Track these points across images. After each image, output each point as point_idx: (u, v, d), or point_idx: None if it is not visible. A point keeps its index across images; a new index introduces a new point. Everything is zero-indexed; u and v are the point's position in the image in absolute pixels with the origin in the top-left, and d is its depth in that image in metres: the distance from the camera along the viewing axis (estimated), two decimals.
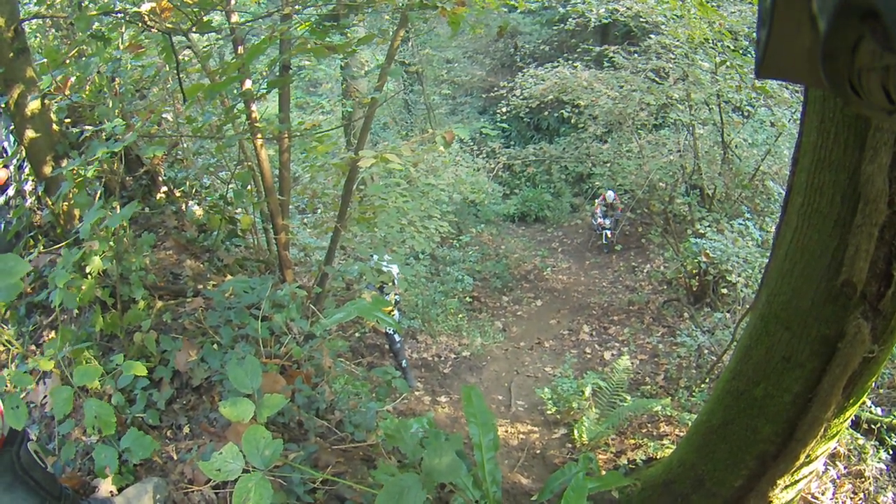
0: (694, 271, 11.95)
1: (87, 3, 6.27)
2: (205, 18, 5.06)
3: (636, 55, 13.51)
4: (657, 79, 13.13)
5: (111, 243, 4.59)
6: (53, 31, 7.39)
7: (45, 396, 4.73)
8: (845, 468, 6.45)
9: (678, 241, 12.98)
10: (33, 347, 5.15)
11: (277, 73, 6.23)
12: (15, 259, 2.55)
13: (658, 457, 7.08)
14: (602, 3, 12.66)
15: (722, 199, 12.75)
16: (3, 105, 5.22)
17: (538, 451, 8.26)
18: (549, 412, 9.02)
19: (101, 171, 5.10)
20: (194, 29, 5.03)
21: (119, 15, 5.00)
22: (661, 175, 13.69)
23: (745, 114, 12.89)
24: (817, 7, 0.74)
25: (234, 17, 5.84)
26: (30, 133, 5.19)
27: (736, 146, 12.66)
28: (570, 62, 14.92)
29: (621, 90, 13.47)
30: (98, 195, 4.90)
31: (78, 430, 4.29)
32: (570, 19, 14.54)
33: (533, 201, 21.89)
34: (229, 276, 6.03)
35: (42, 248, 5.57)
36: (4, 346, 5.09)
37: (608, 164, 15.32)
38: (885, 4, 0.62)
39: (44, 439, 4.43)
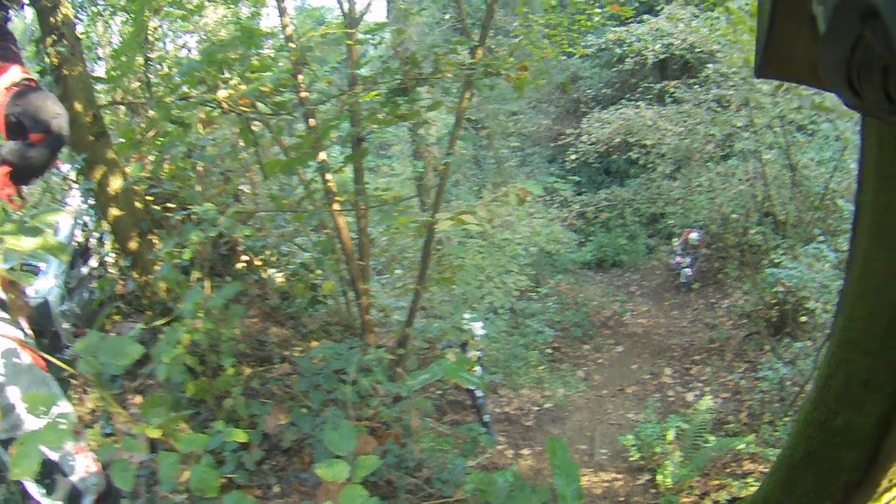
0: (772, 302, 11.82)
1: (164, 88, 6.57)
2: (279, 100, 5.27)
3: (696, 87, 13.50)
4: (719, 108, 13.09)
5: (200, 315, 4.77)
6: (124, 108, 7.69)
7: (129, 457, 4.90)
8: None
9: (755, 272, 12.81)
10: (120, 410, 5.33)
11: (348, 141, 6.39)
12: (130, 343, 2.73)
13: (742, 496, 6.99)
14: (656, 39, 12.73)
15: (795, 223, 12.52)
16: (91, 188, 5.50)
17: (622, 499, 8.22)
18: (632, 458, 8.98)
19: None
20: (271, 113, 5.25)
21: (194, 99, 5.24)
22: (733, 207, 13.56)
23: (809, 132, 12.73)
24: (817, 7, 0.77)
25: (304, 94, 6.04)
26: (114, 211, 5.45)
27: (803, 167, 12.45)
28: (632, 102, 14.98)
29: (685, 124, 13.44)
30: (195, 276, 5.10)
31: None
32: (627, 59, 14.56)
33: (608, 246, 21.78)
34: (314, 342, 6.17)
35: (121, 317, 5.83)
36: (108, 410, 5.28)
37: (680, 202, 15.24)
38: (885, 4, 0.64)
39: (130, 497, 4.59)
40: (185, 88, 5.60)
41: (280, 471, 4.77)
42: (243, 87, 5.04)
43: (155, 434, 3.57)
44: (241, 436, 3.97)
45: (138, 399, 5.38)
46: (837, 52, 0.73)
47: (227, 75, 5.10)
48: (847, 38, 0.71)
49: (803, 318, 10.49)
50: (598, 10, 11.15)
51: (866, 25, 0.67)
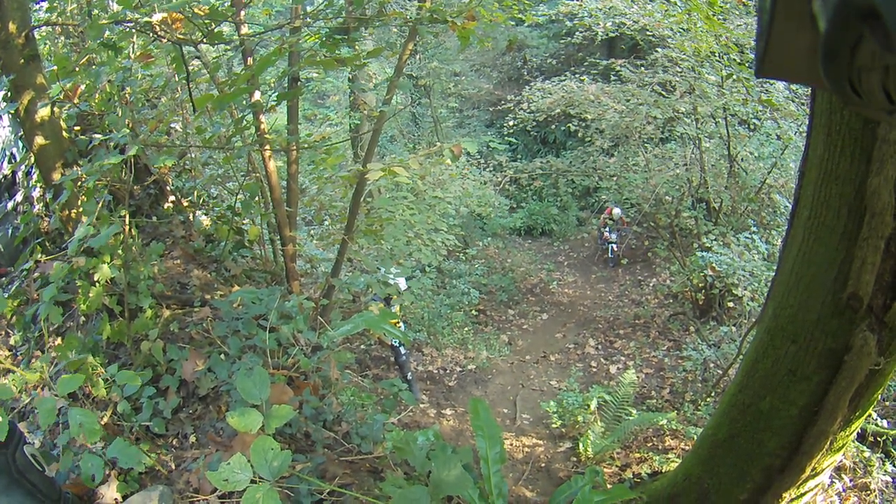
0: (700, 285, 11.95)
1: (97, 11, 6.30)
2: (215, 30, 5.07)
3: (643, 68, 13.46)
4: (664, 92, 13.07)
5: (119, 253, 4.61)
6: (63, 38, 7.40)
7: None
8: (851, 481, 6.43)
9: (684, 254, 12.95)
10: (39, 353, 5.15)
11: (286, 86, 6.25)
12: None
13: (663, 470, 7.06)
14: (609, 16, 12.61)
15: (728, 212, 12.70)
16: (13, 111, 5.24)
17: (543, 465, 8.25)
18: (554, 426, 9.01)
19: (108, 180, 5.12)
20: (205, 40, 5.05)
21: (130, 24, 5.02)
22: (667, 189, 13.65)
23: (752, 127, 12.82)
24: (817, 7, 0.75)
25: (244, 29, 5.86)
26: (39, 139, 5.20)
27: (742, 159, 12.59)
28: (577, 76, 14.91)
29: (628, 104, 13.41)
30: (101, 204, 4.90)
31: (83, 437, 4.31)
32: (577, 33, 14.40)
33: (539, 215, 21.84)
34: (237, 287, 6.04)
35: (44, 255, 5.59)
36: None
37: (615, 178, 15.27)
38: (885, 4, 0.62)
39: (48, 445, 4.43)
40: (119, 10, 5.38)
41: (196, 419, 4.64)
42: (178, 13, 4.84)
43: (33, 378, 3.45)
44: (135, 380, 3.86)
45: (59, 342, 5.19)
46: (837, 52, 0.74)
47: None
48: (847, 37, 0.71)
49: (730, 304, 10.63)
50: None
51: (866, 25, 0.67)
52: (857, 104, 0.79)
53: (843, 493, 6.30)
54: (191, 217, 6.67)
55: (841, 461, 6.33)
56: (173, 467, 4.24)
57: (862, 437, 6.72)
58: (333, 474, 4.36)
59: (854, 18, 0.68)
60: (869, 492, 6.36)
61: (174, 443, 4.49)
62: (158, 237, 6.17)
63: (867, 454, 6.58)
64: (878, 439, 6.78)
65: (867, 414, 4.26)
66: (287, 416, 3.27)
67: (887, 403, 7.33)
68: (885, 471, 6.46)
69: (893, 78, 0.73)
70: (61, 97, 5.61)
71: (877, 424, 6.77)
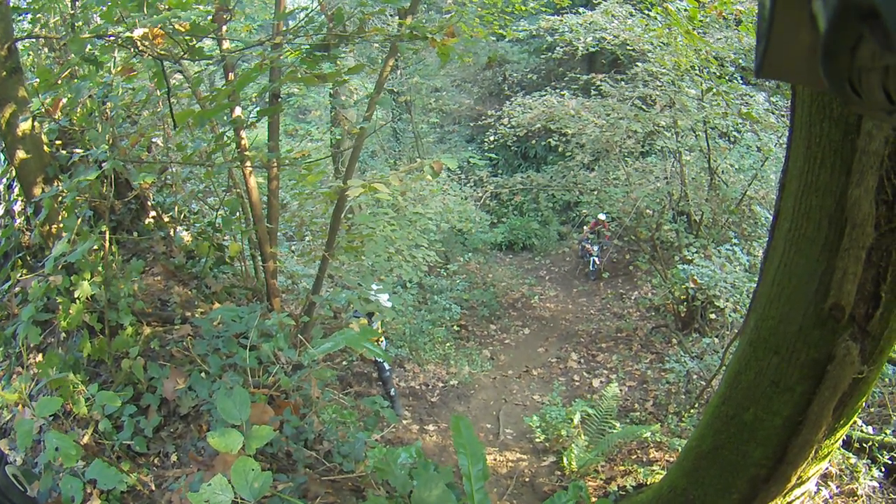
0: (682, 297, 11.95)
1: (80, 24, 6.27)
2: (196, 45, 5.05)
3: (623, 83, 13.56)
4: (644, 106, 13.14)
5: (100, 269, 4.58)
6: (46, 50, 7.36)
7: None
8: (838, 488, 6.44)
9: (666, 267, 12.96)
10: (20, 369, 5.11)
11: (267, 101, 6.24)
12: None
13: (648, 483, 7.05)
14: (589, 31, 12.68)
15: (709, 224, 12.74)
16: None
17: (527, 480, 8.23)
18: (537, 440, 8.99)
19: (88, 196, 5.08)
20: (186, 56, 5.03)
21: (112, 39, 4.99)
22: (648, 202, 13.65)
23: (732, 139, 12.90)
24: (817, 7, 0.74)
25: (226, 45, 5.84)
26: (20, 153, 5.17)
27: (723, 172, 12.64)
28: (557, 91, 14.94)
29: (608, 118, 13.43)
30: (80, 220, 4.87)
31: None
32: (557, 48, 14.48)
33: (520, 230, 21.79)
34: (217, 304, 6.00)
35: (25, 269, 5.55)
36: None
37: (595, 192, 15.29)
38: (885, 4, 0.62)
39: (30, 462, 4.39)
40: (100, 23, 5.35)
41: (178, 438, 4.61)
42: (159, 28, 4.82)
43: (11, 398, 3.42)
44: (114, 400, 3.83)
45: (40, 358, 5.15)
46: (837, 52, 0.73)
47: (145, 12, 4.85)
48: (847, 37, 0.71)
49: (712, 316, 10.65)
50: None
51: (866, 25, 0.67)
52: (856, 104, 0.80)
53: (831, 500, 6.31)
54: (171, 233, 6.64)
55: (827, 468, 6.33)
56: (154, 487, 4.21)
57: (847, 444, 6.72)
58: (315, 494, 4.33)
59: (854, 18, 0.67)
60: (856, 498, 6.38)
61: (155, 462, 4.46)
62: (139, 253, 6.13)
63: (853, 460, 6.59)
64: (864, 445, 6.78)
65: (852, 421, 4.27)
66: (268, 437, 3.25)
67: (872, 410, 7.36)
68: (872, 476, 6.47)
69: (893, 78, 0.72)
70: (43, 111, 5.57)
71: (862, 431, 6.79)
